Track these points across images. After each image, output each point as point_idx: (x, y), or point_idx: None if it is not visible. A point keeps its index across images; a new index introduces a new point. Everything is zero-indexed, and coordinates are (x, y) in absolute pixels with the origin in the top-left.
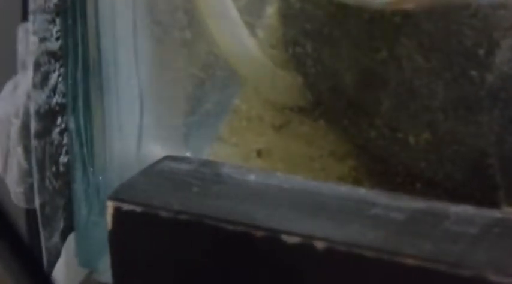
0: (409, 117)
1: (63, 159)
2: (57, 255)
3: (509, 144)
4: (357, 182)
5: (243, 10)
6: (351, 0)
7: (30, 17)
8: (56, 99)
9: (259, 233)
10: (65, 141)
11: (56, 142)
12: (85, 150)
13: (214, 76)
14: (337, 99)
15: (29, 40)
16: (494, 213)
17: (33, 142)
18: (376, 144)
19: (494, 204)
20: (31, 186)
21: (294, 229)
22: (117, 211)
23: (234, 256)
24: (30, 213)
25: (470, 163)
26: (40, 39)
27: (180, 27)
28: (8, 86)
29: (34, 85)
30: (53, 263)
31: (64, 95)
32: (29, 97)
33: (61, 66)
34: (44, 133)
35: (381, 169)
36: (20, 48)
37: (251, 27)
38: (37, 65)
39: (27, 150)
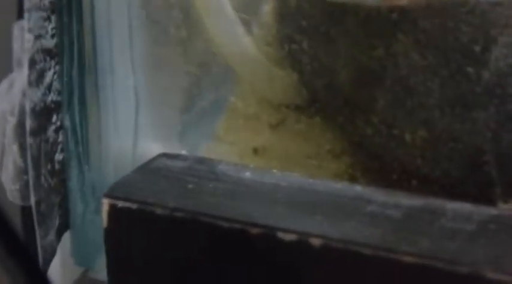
0: (405, 114)
1: (58, 156)
2: (53, 253)
3: (505, 141)
4: (353, 179)
5: (239, 7)
6: None
7: (26, 15)
8: (52, 97)
9: (256, 231)
10: (60, 138)
11: (51, 140)
12: (80, 147)
13: (210, 74)
14: (333, 96)
15: (25, 38)
16: (491, 210)
17: (29, 140)
18: (372, 141)
19: (490, 200)
20: (26, 184)
21: (290, 226)
22: (112, 208)
23: (230, 254)
24: (25, 211)
25: (467, 160)
26: (35, 37)
27: (176, 25)
28: (4, 84)
29: (29, 83)
30: (48, 261)
31: (59, 93)
32: (24, 95)
33: (56, 63)
34: (39, 131)
35: (377, 166)
36: (16, 45)
37: (247, 25)
38: (32, 63)
39: (22, 148)
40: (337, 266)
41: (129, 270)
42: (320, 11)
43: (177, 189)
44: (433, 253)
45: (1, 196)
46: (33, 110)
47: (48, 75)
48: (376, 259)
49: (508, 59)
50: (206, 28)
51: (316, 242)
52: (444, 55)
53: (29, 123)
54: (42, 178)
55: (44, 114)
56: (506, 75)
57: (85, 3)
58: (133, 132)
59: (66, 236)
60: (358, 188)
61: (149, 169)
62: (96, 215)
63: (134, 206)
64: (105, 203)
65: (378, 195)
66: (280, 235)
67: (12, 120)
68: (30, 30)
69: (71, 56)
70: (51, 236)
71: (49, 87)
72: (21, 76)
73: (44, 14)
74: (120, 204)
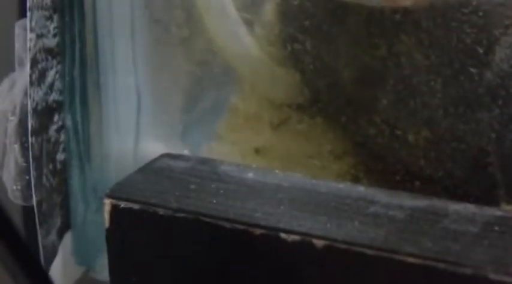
0: (408, 115)
1: (60, 156)
2: (54, 253)
3: (509, 142)
4: (356, 180)
5: (241, 7)
6: None
7: (28, 14)
8: (53, 96)
9: (258, 231)
10: (62, 138)
11: (53, 139)
12: (82, 147)
13: (212, 74)
14: (335, 96)
15: (27, 37)
16: (495, 211)
17: (31, 140)
18: (375, 142)
19: (494, 202)
20: (28, 183)
21: (293, 227)
22: (114, 208)
23: (233, 254)
24: (26, 211)
25: (470, 161)
26: (37, 36)
27: (178, 24)
28: (5, 83)
29: (31, 82)
30: (49, 261)
31: (61, 92)
32: (26, 94)
33: (58, 63)
34: (41, 131)
35: (380, 167)
36: (18, 45)
37: (249, 24)
38: (34, 62)
39: (24, 147)
40: (340, 267)
41: (131, 270)
42: (323, 10)
43: (179, 189)
44: (436, 254)
45: (2, 196)
46: (35, 110)
47: (50, 75)
48: (379, 260)
49: (511, 59)
50: (208, 28)
51: (319, 243)
52: (447, 55)
53: (30, 123)
54: (44, 178)
55: (45, 113)
56: (510, 75)
57: (87, 2)
58: (135, 131)
59: (67, 236)
60: (361, 189)
61: (151, 170)
62: (97, 215)
63: (136, 206)
64: (107, 203)
65: (381, 196)
66: (283, 235)
67: (13, 120)
68: (32, 29)
69: (73, 56)
70: (53, 236)
71: (51, 87)
72: (23, 75)
73: (46, 13)
74: (123, 204)
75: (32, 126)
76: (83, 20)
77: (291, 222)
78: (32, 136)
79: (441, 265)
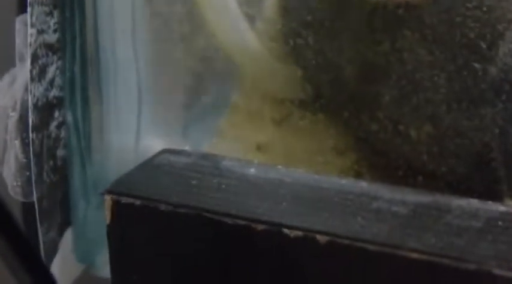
0: (411, 110)
1: (60, 152)
2: (55, 250)
3: None
4: (358, 175)
5: (242, 2)
6: None
7: (28, 9)
8: (54, 92)
9: (260, 227)
10: (62, 134)
11: (53, 135)
12: (83, 143)
13: (213, 70)
14: (338, 91)
15: (27, 32)
16: (498, 207)
17: (31, 135)
18: (378, 137)
19: (497, 197)
20: (28, 180)
21: (295, 223)
22: (115, 204)
23: (234, 250)
24: (26, 207)
25: (473, 157)
26: (38, 31)
27: (179, 20)
28: (6, 79)
29: (32, 78)
30: (50, 257)
31: (62, 88)
32: (26, 90)
33: (59, 59)
34: (41, 127)
35: (383, 162)
36: (18, 40)
37: (251, 20)
38: (35, 58)
39: (24, 143)
40: (343, 263)
41: (132, 266)
42: (325, 5)
43: (180, 184)
44: (440, 249)
45: (3, 192)
46: (35, 105)
47: (51, 70)
48: (382, 256)
49: None
50: (209, 23)
51: (322, 238)
52: (451, 50)
53: (31, 119)
54: (45, 174)
55: (46, 109)
56: None
57: None
58: (136, 127)
59: (68, 233)
60: (363, 184)
61: (152, 165)
62: (98, 212)
63: (137, 202)
64: (108, 199)
65: (383, 192)
66: (286, 231)
67: (14, 115)
68: (32, 25)
69: (73, 51)
70: (53, 232)
71: (51, 83)
72: (23, 71)
73: (47, 9)
74: (124, 199)
75: (32, 122)
76: (84, 16)
77: (294, 218)
78: (32, 132)
79: (445, 261)
